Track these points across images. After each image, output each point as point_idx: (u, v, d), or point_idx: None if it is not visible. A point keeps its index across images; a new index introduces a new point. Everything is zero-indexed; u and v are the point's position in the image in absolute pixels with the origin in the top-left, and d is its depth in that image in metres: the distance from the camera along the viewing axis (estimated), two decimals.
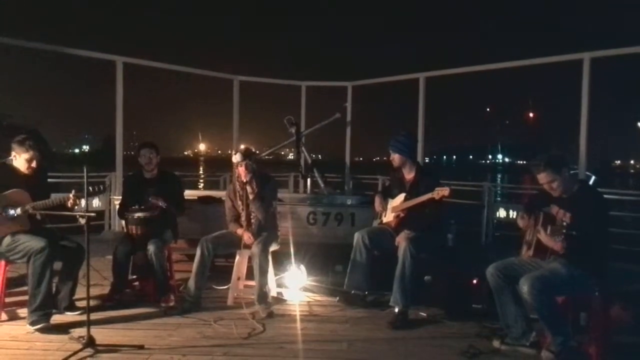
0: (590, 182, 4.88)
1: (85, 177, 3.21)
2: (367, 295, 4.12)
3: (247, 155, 4.03)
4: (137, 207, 4.08)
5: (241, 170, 4.05)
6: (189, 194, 5.04)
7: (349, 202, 5.67)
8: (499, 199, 7.54)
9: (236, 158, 4.02)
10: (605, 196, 3.35)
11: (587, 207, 3.02)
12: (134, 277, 4.33)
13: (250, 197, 4.06)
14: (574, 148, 5.88)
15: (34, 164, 3.60)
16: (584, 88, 5.84)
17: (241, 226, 4.14)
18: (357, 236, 4.07)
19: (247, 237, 4.06)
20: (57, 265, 3.67)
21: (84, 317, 3.16)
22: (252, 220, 4.12)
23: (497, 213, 7.08)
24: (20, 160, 3.60)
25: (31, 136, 3.67)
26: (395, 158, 4.12)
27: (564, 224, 2.94)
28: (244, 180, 4.06)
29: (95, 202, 6.93)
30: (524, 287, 2.96)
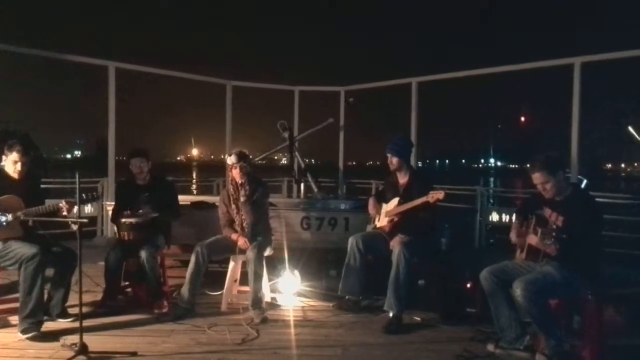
0: (582, 186, 4.91)
1: (77, 183, 3.20)
2: (361, 300, 4.12)
3: (242, 157, 4.04)
4: (128, 212, 4.06)
5: (235, 172, 4.05)
6: (182, 199, 5.01)
7: (342, 206, 5.66)
8: (491, 201, 7.57)
9: (231, 159, 4.03)
10: (597, 199, 3.36)
11: (580, 210, 3.03)
12: (127, 283, 4.30)
13: (242, 199, 4.05)
14: (565, 151, 5.91)
15: (19, 167, 3.58)
16: (575, 92, 5.87)
17: (235, 231, 4.13)
18: (351, 241, 4.07)
19: (242, 242, 4.04)
20: (49, 271, 3.64)
21: (76, 324, 3.13)
22: (245, 225, 4.10)
23: (490, 217, 7.12)
24: (8, 162, 3.59)
25: (21, 141, 3.67)
26: (394, 161, 4.12)
27: (554, 227, 2.95)
28: (239, 182, 4.05)
29: (88, 208, 6.90)
30: (517, 290, 2.97)
